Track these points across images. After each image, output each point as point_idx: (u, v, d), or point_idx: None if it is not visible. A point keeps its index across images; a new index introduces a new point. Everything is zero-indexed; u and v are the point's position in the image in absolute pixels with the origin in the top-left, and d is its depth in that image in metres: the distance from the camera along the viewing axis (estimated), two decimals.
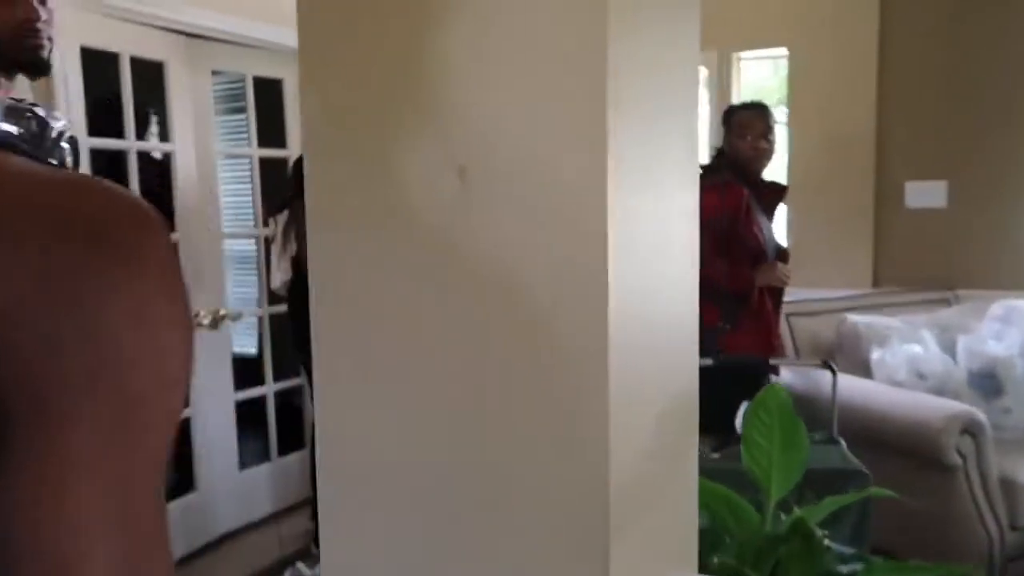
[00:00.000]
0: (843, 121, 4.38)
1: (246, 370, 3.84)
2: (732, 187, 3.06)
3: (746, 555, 1.67)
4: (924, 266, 4.23)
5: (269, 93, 3.58)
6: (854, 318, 3.74)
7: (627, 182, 0.90)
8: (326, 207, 0.99)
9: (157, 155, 3.46)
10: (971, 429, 2.99)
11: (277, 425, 3.89)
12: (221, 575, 3.48)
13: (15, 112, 0.59)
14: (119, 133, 3.11)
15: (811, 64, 4.42)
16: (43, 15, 1.54)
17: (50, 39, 1.57)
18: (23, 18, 1.50)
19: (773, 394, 1.72)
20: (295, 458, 3.94)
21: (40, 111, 0.63)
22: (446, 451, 0.99)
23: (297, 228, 3.32)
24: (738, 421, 2.50)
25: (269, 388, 3.85)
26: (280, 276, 3.83)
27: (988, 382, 3.38)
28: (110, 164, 3.09)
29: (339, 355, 1.02)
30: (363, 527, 1.06)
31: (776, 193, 3.28)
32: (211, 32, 3.28)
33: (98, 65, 2.98)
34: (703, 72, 4.75)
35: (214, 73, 3.53)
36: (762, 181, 3.21)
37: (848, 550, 1.82)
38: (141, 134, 3.34)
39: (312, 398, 1.05)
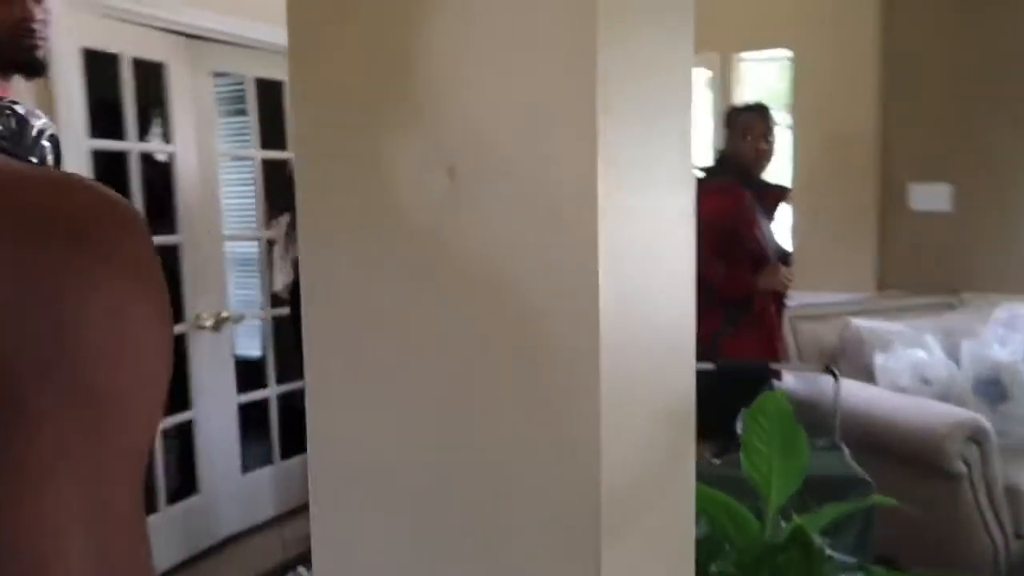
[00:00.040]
0: (846, 123, 4.36)
1: (250, 373, 3.83)
2: (733, 189, 3.04)
3: (745, 563, 1.65)
4: (928, 270, 4.21)
5: (271, 95, 3.58)
6: (857, 322, 3.72)
7: (618, 182, 0.89)
8: (316, 207, 0.98)
9: (161, 157, 3.46)
10: (976, 436, 2.97)
11: (280, 428, 3.88)
12: None
13: None
14: (121, 135, 3.11)
15: (814, 65, 4.41)
16: (39, 15, 1.53)
17: (46, 39, 1.56)
18: (19, 18, 1.50)
19: (772, 400, 1.70)
20: (298, 461, 3.93)
21: (20, 109, 0.63)
22: (436, 452, 0.98)
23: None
24: (739, 426, 2.48)
25: (272, 391, 3.84)
26: (282, 278, 3.83)
27: (993, 388, 3.35)
28: (111, 166, 3.09)
29: (329, 355, 1.01)
30: (353, 528, 1.05)
31: (777, 195, 3.26)
32: (211, 33, 3.28)
33: (100, 67, 2.98)
34: (705, 74, 4.74)
35: (216, 75, 3.53)
36: (763, 183, 3.20)
37: (850, 559, 1.81)
38: (143, 136, 3.34)
39: None
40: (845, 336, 3.72)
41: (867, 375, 3.52)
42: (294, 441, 3.91)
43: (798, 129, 4.55)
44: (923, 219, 4.25)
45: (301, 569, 3.41)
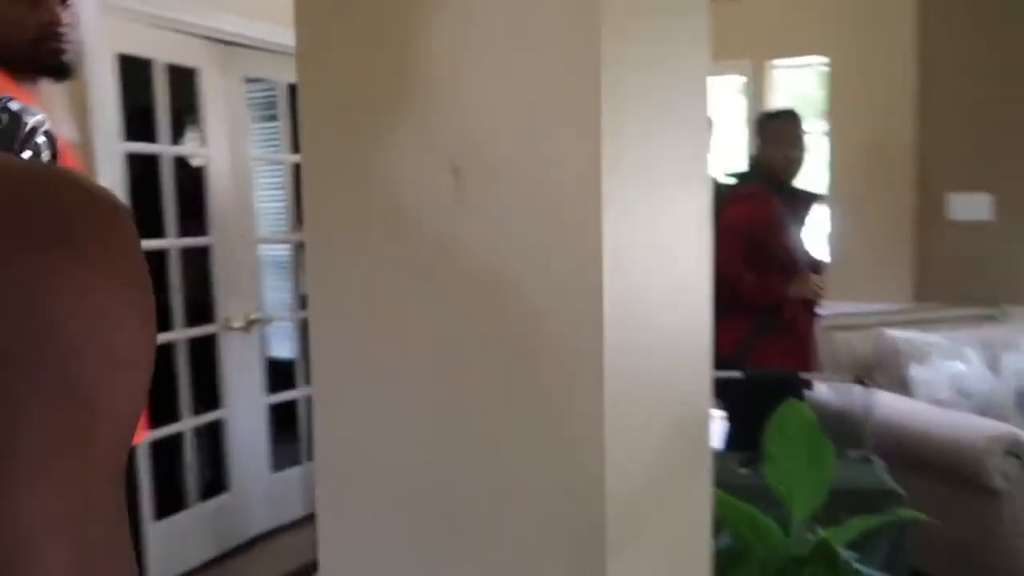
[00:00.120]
0: (883, 130, 4.28)
1: (282, 374, 3.86)
2: (762, 196, 3.00)
3: (767, 574, 1.62)
4: (968, 281, 4.10)
5: None
6: (893, 333, 3.64)
7: (623, 183, 0.87)
8: (322, 208, 0.98)
9: (195, 161, 3.51)
10: (1016, 451, 2.88)
11: (309, 428, 3.90)
12: None
13: None
14: (155, 139, 3.16)
15: (850, 72, 4.34)
16: (66, 19, 1.55)
17: (74, 43, 1.58)
18: (46, 21, 1.52)
19: (795, 410, 1.66)
20: None
21: (14, 105, 0.63)
22: (436, 453, 0.97)
23: None
24: None
25: (302, 392, 3.87)
26: None
27: None
28: (145, 169, 3.14)
29: (334, 355, 1.01)
30: (358, 529, 1.05)
31: (808, 202, 3.21)
32: (244, 39, 3.32)
33: (135, 72, 3.04)
34: (738, 80, 4.69)
35: (249, 80, 3.57)
36: (794, 189, 3.15)
37: (880, 574, 1.76)
38: (177, 140, 3.39)
39: None
40: (880, 347, 3.64)
41: (903, 387, 3.43)
42: None
43: (834, 137, 4.47)
44: (963, 229, 4.15)
45: None
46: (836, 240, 4.40)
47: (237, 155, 3.49)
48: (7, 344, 0.40)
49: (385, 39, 0.93)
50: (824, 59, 4.50)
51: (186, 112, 3.39)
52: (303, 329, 3.87)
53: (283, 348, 4.30)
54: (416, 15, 0.89)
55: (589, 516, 0.89)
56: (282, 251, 4.20)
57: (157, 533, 3.16)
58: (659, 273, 0.99)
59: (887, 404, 3.06)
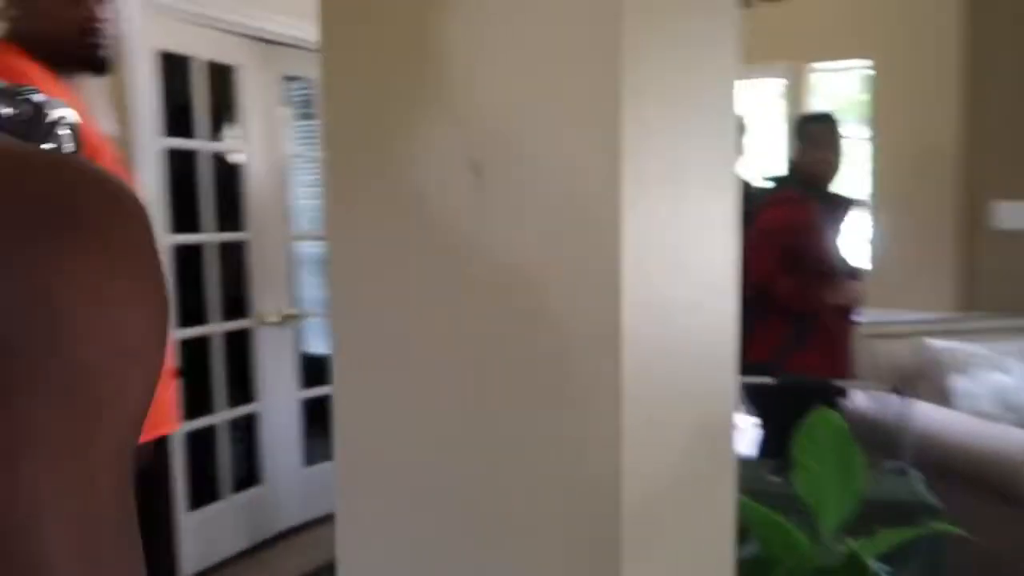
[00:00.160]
0: (928, 135, 4.19)
1: (317, 369, 3.90)
2: (799, 200, 2.95)
3: None
4: (1013, 290, 3.99)
5: None
6: (934, 343, 3.56)
7: (645, 183, 0.86)
8: (343, 205, 0.98)
9: (232, 157, 3.56)
10: None
11: None
12: (283, 569, 3.54)
13: (7, 94, 0.59)
14: (193, 135, 3.21)
15: (894, 76, 4.24)
16: (104, 15, 1.58)
17: (112, 38, 1.62)
18: (85, 17, 1.55)
19: (825, 418, 1.63)
20: None
21: (37, 97, 0.63)
22: (452, 451, 0.96)
23: None
24: None
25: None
26: None
27: None
28: (184, 164, 3.19)
29: (353, 352, 1.01)
30: (375, 528, 1.05)
31: (845, 206, 3.15)
32: (282, 38, 3.36)
33: (177, 69, 3.09)
34: (778, 83, 4.62)
35: (288, 78, 3.60)
36: (831, 194, 3.10)
37: None
38: (215, 136, 3.44)
39: None
40: (921, 356, 3.56)
41: (943, 398, 3.35)
42: None
43: (877, 142, 4.38)
44: (1008, 238, 4.04)
45: None
46: (877, 247, 4.31)
47: (274, 152, 3.53)
48: (15, 330, 0.40)
49: (407, 37, 0.92)
50: (867, 62, 4.41)
51: (225, 109, 3.44)
52: None
53: (318, 344, 4.34)
54: (437, 12, 0.89)
55: (604, 517, 0.88)
56: (319, 248, 4.24)
57: (191, 523, 3.20)
58: (681, 274, 0.97)
59: (926, 415, 2.99)
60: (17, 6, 1.55)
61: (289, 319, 3.58)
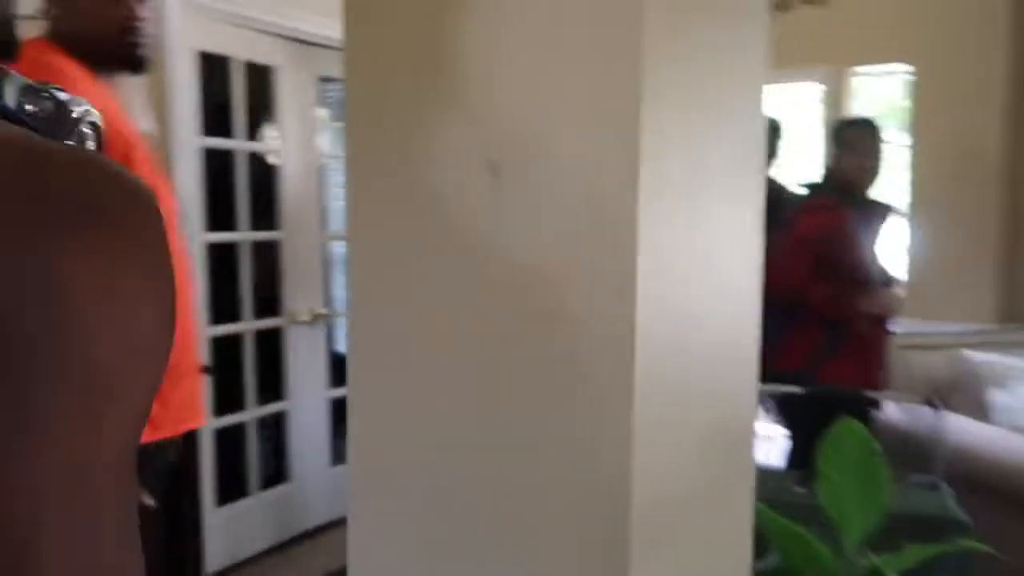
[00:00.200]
0: (970, 142, 4.10)
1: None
2: (835, 207, 2.91)
3: None
4: None
5: None
6: (973, 355, 3.48)
7: (663, 185, 0.85)
8: (364, 206, 0.99)
9: (272, 158, 3.61)
10: None
11: None
12: (310, 566, 3.56)
13: (32, 92, 0.61)
14: (231, 134, 3.26)
15: (936, 80, 4.16)
16: (144, 14, 1.61)
17: (150, 37, 1.65)
18: (124, 16, 1.58)
19: (849, 428, 1.60)
20: None
21: (61, 95, 0.64)
22: (465, 453, 0.97)
23: None
24: None
25: None
26: None
27: None
28: (221, 164, 3.24)
29: (370, 352, 1.02)
30: (388, 525, 1.05)
31: (882, 214, 3.09)
32: (319, 39, 3.39)
33: (215, 69, 3.14)
34: (817, 88, 4.56)
35: (326, 79, 3.64)
36: (868, 201, 3.04)
37: None
38: (253, 135, 3.48)
39: None
40: (958, 369, 3.48)
41: (981, 412, 3.28)
42: None
43: (918, 148, 4.30)
44: None
45: None
46: (916, 256, 4.23)
47: (310, 152, 3.57)
48: (27, 322, 0.41)
49: (426, 37, 0.93)
50: (909, 66, 4.33)
51: (262, 109, 3.48)
52: None
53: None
54: (455, 12, 0.89)
55: (615, 517, 0.87)
56: None
57: (218, 519, 3.24)
58: (700, 278, 0.96)
59: (962, 429, 2.92)
60: (58, 5, 1.59)
61: (320, 318, 3.61)
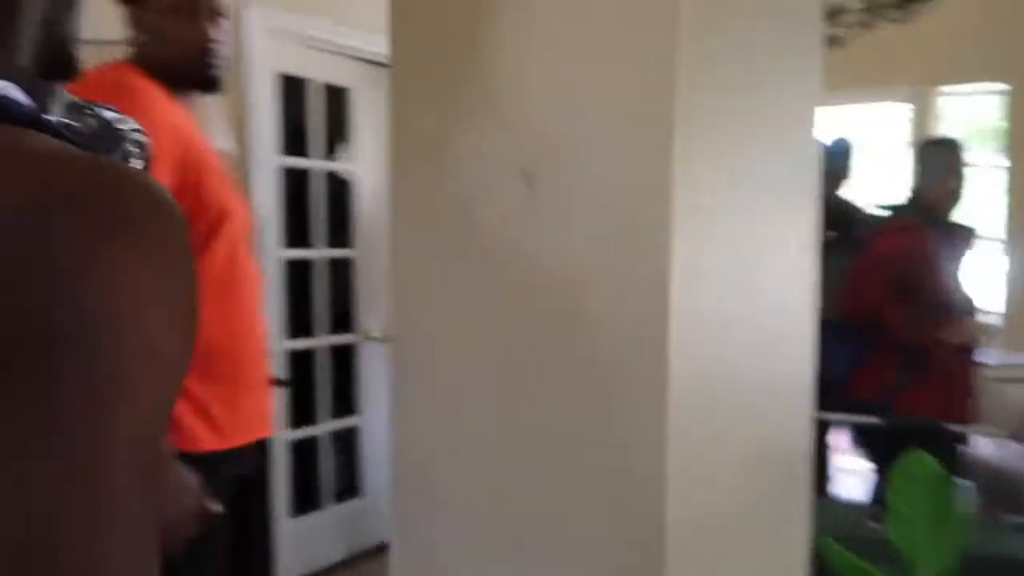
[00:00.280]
0: None
1: None
2: (916, 228, 2.79)
3: None
4: None
5: None
6: None
7: (699, 198, 0.83)
8: (405, 219, 1.00)
9: (348, 176, 3.69)
10: None
11: None
12: None
13: (76, 109, 0.63)
14: (308, 153, 3.35)
15: None
16: (217, 36, 1.68)
17: (223, 59, 1.71)
18: (199, 39, 1.65)
19: (918, 462, 1.51)
20: None
21: (106, 113, 0.67)
22: (501, 456, 0.96)
23: None
24: None
25: None
26: None
27: None
28: (298, 183, 3.33)
29: (412, 363, 1.02)
30: (431, 531, 1.05)
31: (965, 237, 2.94)
32: None
33: (293, 90, 3.24)
34: (903, 108, 4.40)
35: None
36: (951, 223, 2.91)
37: None
38: (330, 155, 3.58)
39: None
40: None
41: None
42: None
43: (1014, 170, 4.09)
44: None
45: None
46: (1012, 284, 4.01)
47: (384, 172, 3.64)
48: (50, 321, 0.42)
49: (463, 51, 0.94)
50: (1004, 85, 4.13)
51: (338, 129, 3.58)
52: None
53: None
54: (491, 25, 0.90)
55: (647, 540, 0.85)
56: None
57: (290, 529, 3.30)
58: (744, 295, 0.93)
59: None
60: (140, 31, 1.67)
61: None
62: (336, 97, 3.43)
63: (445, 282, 0.99)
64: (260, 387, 1.79)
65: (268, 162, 3.10)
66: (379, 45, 3.38)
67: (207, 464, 1.58)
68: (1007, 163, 4.14)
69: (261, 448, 1.87)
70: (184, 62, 1.66)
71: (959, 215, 2.98)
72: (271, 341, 2.98)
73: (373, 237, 3.63)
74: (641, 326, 0.83)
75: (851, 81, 3.93)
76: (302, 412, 3.39)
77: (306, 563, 3.40)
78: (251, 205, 2.75)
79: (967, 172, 2.89)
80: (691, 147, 0.82)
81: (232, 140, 2.77)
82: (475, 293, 0.96)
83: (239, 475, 1.77)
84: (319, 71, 3.32)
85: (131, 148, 0.68)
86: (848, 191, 3.56)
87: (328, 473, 3.54)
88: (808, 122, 1.03)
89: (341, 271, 3.53)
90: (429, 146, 0.97)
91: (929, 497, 1.49)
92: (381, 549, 3.76)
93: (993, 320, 3.63)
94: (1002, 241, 4.04)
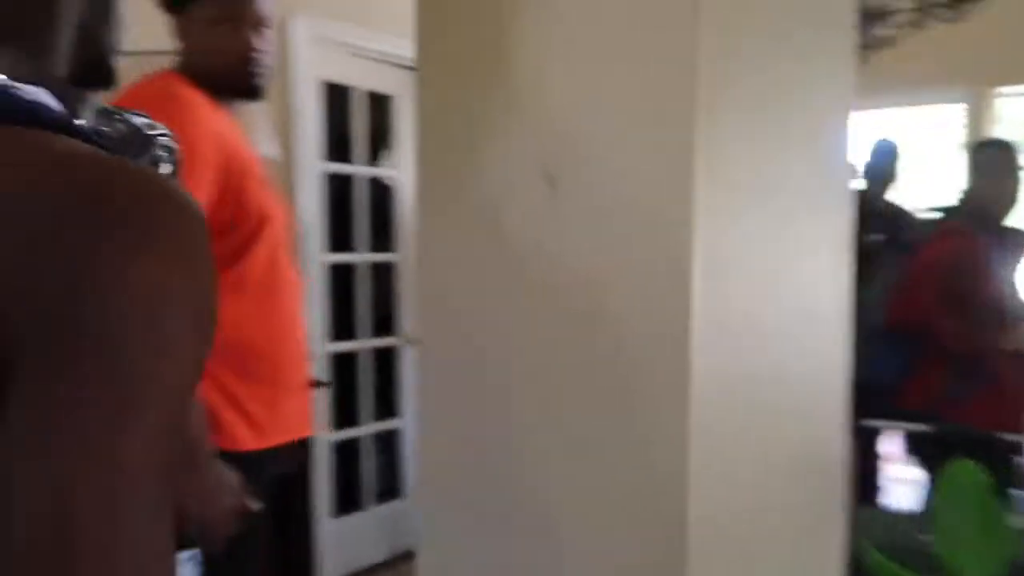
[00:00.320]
0: None
1: None
2: (967, 233, 2.71)
3: None
4: None
5: None
6: None
7: (722, 199, 0.83)
8: (431, 215, 1.01)
9: (391, 182, 3.73)
10: None
11: None
12: None
13: (106, 115, 0.65)
14: (351, 160, 3.40)
15: None
16: (261, 46, 1.72)
17: (266, 67, 1.75)
18: (243, 48, 1.69)
19: (964, 470, 1.47)
20: None
21: (136, 120, 0.69)
22: (521, 457, 0.96)
23: None
24: None
25: None
26: None
27: None
28: (341, 189, 3.38)
29: (438, 361, 1.03)
30: (457, 532, 1.06)
31: (1020, 243, 2.86)
32: None
33: (338, 97, 3.29)
34: (958, 109, 4.29)
35: None
36: (1005, 228, 2.82)
37: None
38: (374, 161, 3.62)
39: None
40: None
41: None
42: None
43: None
44: None
45: None
46: None
47: None
48: (53, 313, 0.44)
49: (488, 54, 0.95)
50: None
51: (381, 135, 3.62)
52: None
53: None
54: (513, 26, 0.90)
55: (669, 538, 0.84)
56: None
57: (332, 529, 3.34)
58: (769, 296, 0.92)
59: None
60: (185, 42, 1.72)
61: None
62: (379, 104, 3.48)
63: (470, 284, 1.00)
64: (299, 388, 1.82)
65: (312, 168, 3.15)
66: None
67: (247, 463, 1.60)
68: None
69: (303, 448, 1.90)
70: (227, 71, 1.70)
71: (1013, 219, 2.89)
72: (313, 343, 3.02)
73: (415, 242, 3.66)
74: (663, 324, 0.83)
75: (903, 82, 3.85)
76: (345, 414, 3.43)
77: (347, 563, 3.44)
78: (292, 210, 2.80)
79: (1022, 175, 2.80)
80: (713, 147, 0.81)
81: (277, 146, 2.83)
82: (499, 294, 0.97)
83: (280, 474, 1.80)
84: (363, 78, 3.37)
85: (160, 153, 0.70)
86: (896, 194, 3.49)
87: (370, 474, 3.57)
88: (839, 124, 1.02)
89: (383, 275, 3.57)
90: (455, 148, 0.98)
91: (975, 506, 1.46)
92: None
93: None
94: None
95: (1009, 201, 2.79)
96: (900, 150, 3.41)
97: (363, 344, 3.50)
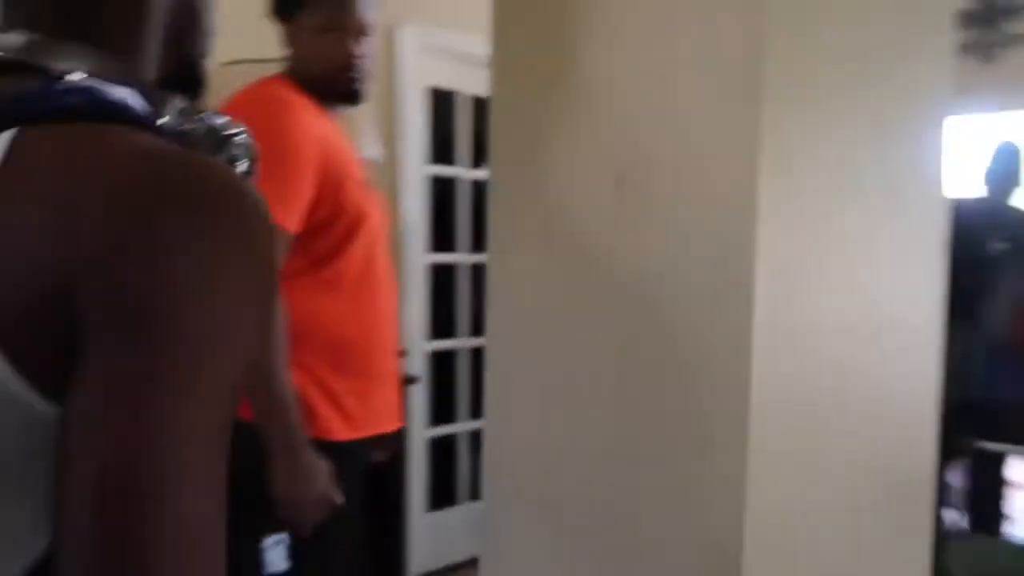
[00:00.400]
0: None
1: None
2: None
3: None
4: None
5: None
6: None
7: (789, 198, 0.82)
8: (503, 223, 1.03)
9: None
10: None
11: None
12: None
13: (187, 115, 0.69)
14: (455, 163, 3.48)
15: None
16: (362, 52, 1.79)
17: (367, 73, 1.82)
18: (345, 55, 1.76)
19: None
20: None
21: (217, 120, 0.72)
22: (584, 459, 0.97)
23: None
24: None
25: None
26: None
27: None
28: (444, 191, 3.46)
29: (505, 364, 1.06)
30: (519, 536, 1.08)
31: None
32: None
33: (442, 102, 3.37)
34: None
35: None
36: None
37: None
38: (478, 164, 3.69)
39: None
40: None
41: None
42: None
43: None
44: None
45: None
46: None
47: None
48: (137, 295, 0.47)
49: (559, 59, 0.96)
50: None
51: (485, 139, 3.67)
52: None
53: None
54: (582, 28, 0.91)
55: (726, 540, 0.83)
56: None
57: (426, 523, 3.40)
58: (842, 302, 0.90)
59: None
60: (295, 49, 1.81)
61: None
62: (483, 108, 3.52)
63: (537, 286, 1.01)
64: (390, 382, 1.87)
65: (416, 171, 3.23)
66: None
67: (338, 453, 1.67)
68: None
69: (395, 440, 1.95)
70: (329, 76, 1.77)
71: None
72: (412, 341, 3.09)
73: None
74: (725, 325, 0.82)
75: None
76: (442, 411, 3.50)
77: (439, 557, 3.49)
78: (396, 211, 2.88)
79: None
80: (782, 149, 0.80)
81: (381, 149, 2.92)
82: (566, 294, 0.98)
83: (371, 465, 1.86)
84: (468, 84, 3.43)
85: (236, 152, 0.74)
86: (1021, 199, 3.27)
87: (464, 471, 3.63)
88: (934, 126, 0.98)
89: (483, 275, 3.61)
90: (526, 149, 1.00)
91: None
92: (473, 562, 3.76)
93: None
94: None
95: None
96: (1020, 152, 3.19)
97: (462, 343, 3.56)
